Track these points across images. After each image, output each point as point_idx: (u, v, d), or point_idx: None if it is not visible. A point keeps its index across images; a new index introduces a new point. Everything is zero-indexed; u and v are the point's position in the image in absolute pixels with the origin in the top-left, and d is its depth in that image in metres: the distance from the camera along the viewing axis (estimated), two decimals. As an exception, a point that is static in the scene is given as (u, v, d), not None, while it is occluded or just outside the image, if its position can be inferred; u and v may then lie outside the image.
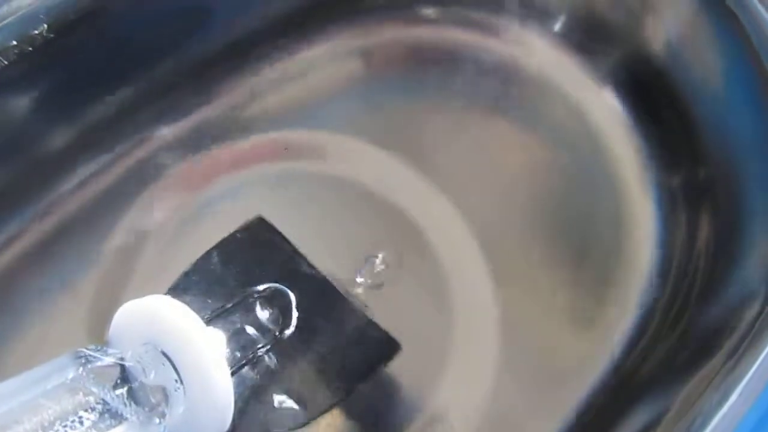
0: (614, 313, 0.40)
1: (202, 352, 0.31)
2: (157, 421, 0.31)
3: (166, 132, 0.44)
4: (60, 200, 0.41)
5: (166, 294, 0.37)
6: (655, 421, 0.34)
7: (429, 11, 0.48)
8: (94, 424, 0.30)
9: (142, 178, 0.42)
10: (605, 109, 0.45)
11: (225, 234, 0.40)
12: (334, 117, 0.45)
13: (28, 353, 0.37)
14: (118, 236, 0.41)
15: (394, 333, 0.38)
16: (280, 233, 0.39)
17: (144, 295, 0.33)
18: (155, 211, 0.42)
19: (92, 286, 0.40)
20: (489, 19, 0.47)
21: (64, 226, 0.41)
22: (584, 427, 0.37)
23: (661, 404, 0.35)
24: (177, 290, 0.38)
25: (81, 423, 0.29)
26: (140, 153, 0.43)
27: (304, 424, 0.36)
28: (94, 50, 0.40)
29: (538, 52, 0.47)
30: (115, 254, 0.40)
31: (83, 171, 0.42)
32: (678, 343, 0.38)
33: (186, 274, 0.38)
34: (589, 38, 0.46)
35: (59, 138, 0.41)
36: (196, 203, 0.42)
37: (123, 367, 0.32)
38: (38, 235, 0.40)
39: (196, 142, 0.44)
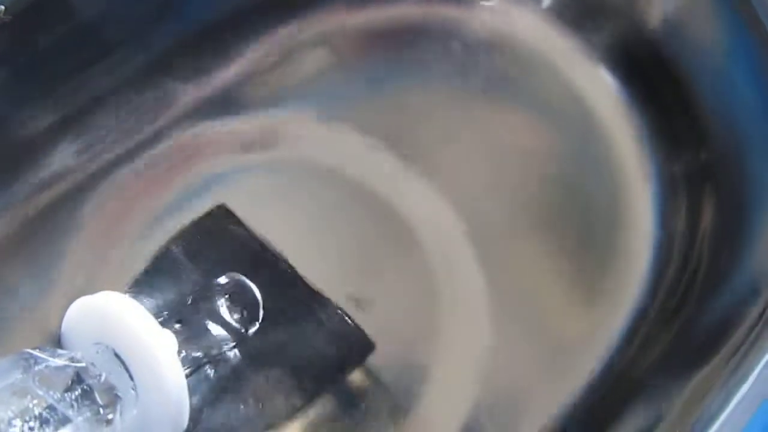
0: (611, 306, 0.38)
1: (154, 352, 0.30)
2: (107, 424, 0.30)
3: (141, 118, 0.42)
4: (35, 191, 0.40)
5: (128, 290, 0.36)
6: (653, 424, 0.32)
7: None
8: (40, 427, 0.28)
9: (111, 169, 0.41)
10: (601, 89, 0.43)
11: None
12: (313, 103, 0.43)
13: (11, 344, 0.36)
14: (91, 229, 0.39)
15: (376, 328, 0.36)
16: (243, 223, 0.38)
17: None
18: (127, 201, 0.40)
19: (66, 279, 0.38)
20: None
21: (34, 219, 0.39)
22: (578, 424, 0.36)
23: (657, 407, 0.33)
24: (137, 286, 0.36)
25: (28, 427, 0.28)
26: (111, 142, 0.41)
27: (270, 427, 0.34)
28: (61, 34, 0.38)
29: (528, 29, 0.45)
30: (87, 247, 0.39)
31: (55, 160, 0.40)
32: (677, 341, 0.36)
33: (146, 270, 0.37)
34: (582, 13, 0.44)
35: (28, 126, 0.39)
36: (169, 193, 0.40)
37: (73, 369, 0.30)
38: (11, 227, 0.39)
39: (167, 131, 0.42)
